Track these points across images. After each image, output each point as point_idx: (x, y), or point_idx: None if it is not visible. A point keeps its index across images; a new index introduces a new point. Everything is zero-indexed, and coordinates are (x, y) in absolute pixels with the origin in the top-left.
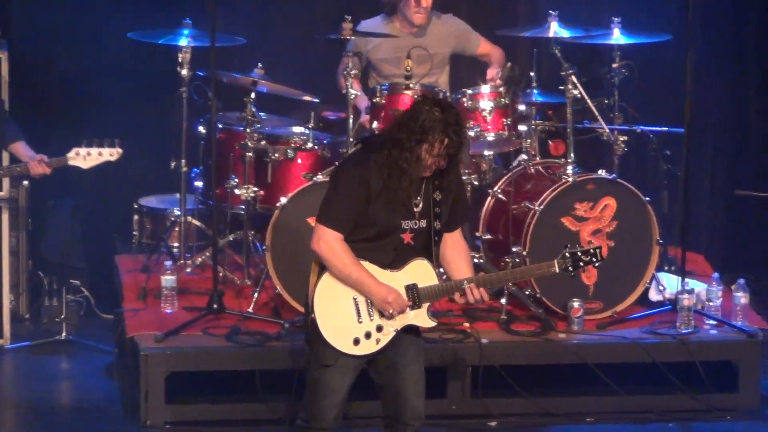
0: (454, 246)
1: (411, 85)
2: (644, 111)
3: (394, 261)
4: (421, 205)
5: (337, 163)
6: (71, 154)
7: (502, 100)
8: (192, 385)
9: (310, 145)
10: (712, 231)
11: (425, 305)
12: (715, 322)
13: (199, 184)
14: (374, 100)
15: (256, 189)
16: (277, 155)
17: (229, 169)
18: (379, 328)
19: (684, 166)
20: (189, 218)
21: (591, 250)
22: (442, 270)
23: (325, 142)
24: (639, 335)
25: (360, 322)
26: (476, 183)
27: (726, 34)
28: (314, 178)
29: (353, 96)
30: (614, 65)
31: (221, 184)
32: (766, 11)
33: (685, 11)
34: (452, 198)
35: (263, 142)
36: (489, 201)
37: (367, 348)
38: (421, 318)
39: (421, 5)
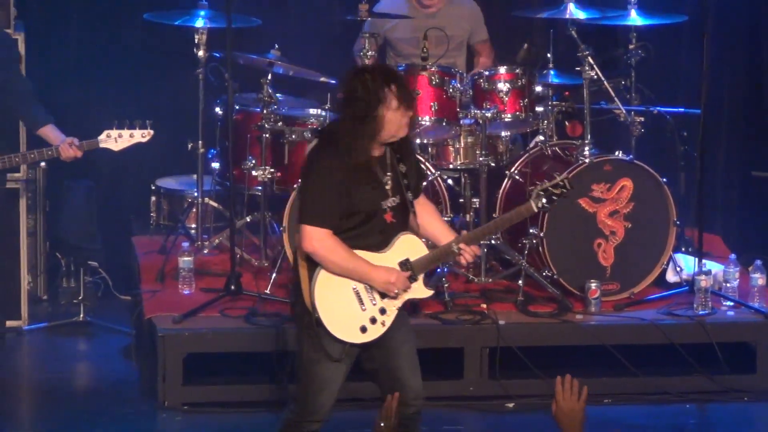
0: (424, 210)
1: (428, 66)
2: (660, 92)
3: (382, 242)
4: (390, 182)
5: (306, 160)
6: (102, 136)
7: (519, 81)
8: (210, 367)
9: None
10: (729, 212)
11: (420, 277)
12: (732, 304)
13: (216, 165)
14: None
15: (272, 170)
16: (293, 136)
17: (245, 151)
18: (383, 311)
19: (700, 147)
20: (206, 199)
21: (560, 182)
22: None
23: None
24: (656, 316)
25: (364, 310)
26: (493, 164)
27: (742, 13)
28: None
29: None
30: (630, 46)
31: (238, 166)
32: None
33: None
34: (412, 165)
35: (280, 124)
36: (506, 182)
37: (375, 333)
38: (419, 290)
39: None
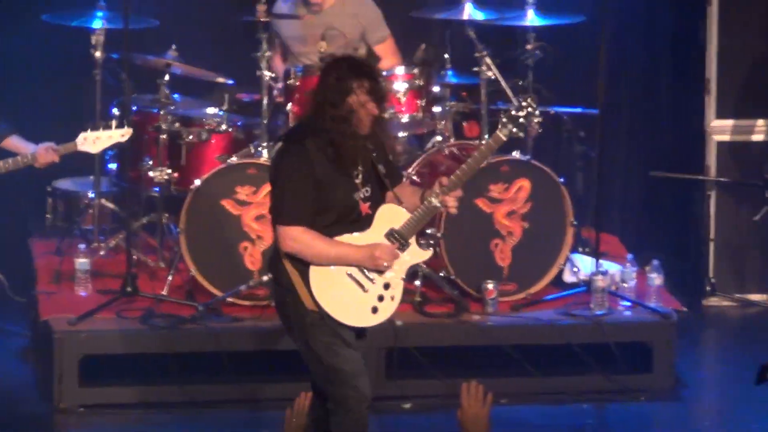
0: (402, 192)
1: None
2: (558, 92)
3: (363, 229)
4: (360, 176)
5: (271, 162)
6: (79, 139)
7: (417, 81)
8: (106, 369)
9: (224, 127)
10: (627, 212)
11: (412, 241)
12: (629, 304)
13: (113, 166)
14: (288, 83)
15: (170, 171)
16: (191, 137)
17: (143, 152)
18: (387, 286)
19: (598, 147)
20: (103, 201)
21: (523, 104)
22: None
23: (239, 124)
24: (553, 317)
25: (366, 291)
26: None
27: (639, 14)
28: (228, 160)
29: (267, 78)
30: (528, 47)
31: (135, 167)
32: None
33: None
34: (384, 155)
35: (177, 124)
36: (404, 182)
37: (388, 309)
38: (415, 254)
39: None
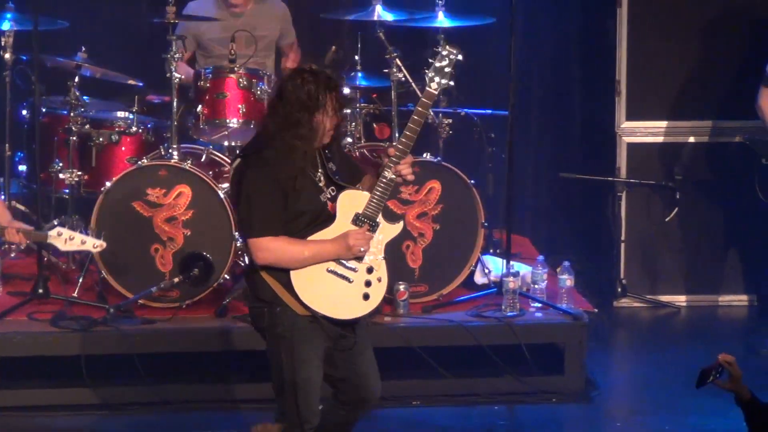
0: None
1: (236, 69)
2: (469, 94)
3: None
4: (322, 178)
5: (232, 178)
6: (53, 233)
7: None
8: (17, 371)
9: (134, 129)
10: (537, 214)
11: (380, 219)
12: (540, 305)
13: (23, 168)
14: (198, 84)
15: (80, 173)
16: (101, 139)
17: (53, 153)
18: (370, 270)
19: (508, 148)
20: (13, 202)
21: (443, 52)
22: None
23: (149, 126)
24: (465, 318)
25: (352, 282)
26: None
27: (550, 16)
28: (138, 162)
29: (177, 79)
30: (438, 48)
31: (45, 169)
32: None
33: None
34: (338, 157)
35: (87, 126)
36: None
37: (379, 291)
38: (388, 231)
39: None
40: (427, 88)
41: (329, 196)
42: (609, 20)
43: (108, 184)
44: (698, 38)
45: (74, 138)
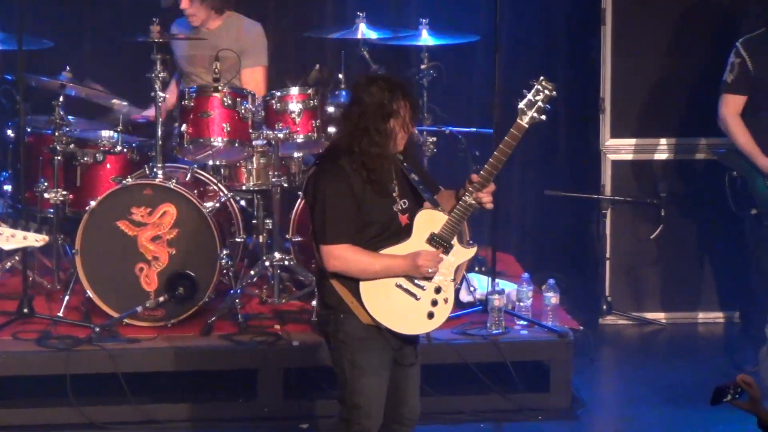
0: (441, 199)
1: (220, 88)
2: (453, 112)
3: (404, 239)
4: (397, 188)
5: (306, 186)
6: None
7: (311, 102)
8: (3, 391)
9: (119, 148)
10: (522, 231)
11: (455, 242)
12: (525, 323)
13: (8, 188)
14: (183, 103)
15: (65, 192)
16: (86, 159)
17: (38, 173)
18: (438, 290)
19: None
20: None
21: (539, 87)
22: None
23: (134, 145)
24: (450, 336)
25: (419, 299)
26: (286, 185)
27: (534, 34)
28: (123, 182)
29: (161, 99)
30: (422, 66)
31: (30, 188)
32: (574, 11)
33: (493, 12)
34: (417, 166)
35: (72, 146)
36: (299, 203)
37: (444, 312)
38: (461, 254)
39: (184, 5)
40: (519, 121)
41: (401, 207)
42: (593, 38)
43: (93, 203)
44: (682, 55)
45: (59, 157)
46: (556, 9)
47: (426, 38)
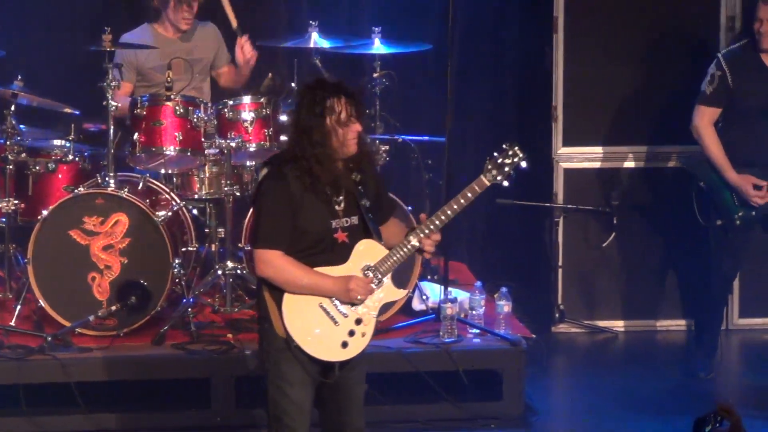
0: (387, 230)
1: (172, 96)
2: (406, 120)
3: (339, 259)
4: (343, 204)
5: (252, 188)
6: None
7: (264, 110)
8: None
9: (70, 157)
10: (475, 240)
11: (387, 279)
12: (478, 331)
13: None
14: (135, 112)
15: (17, 202)
16: (37, 168)
17: None
18: (359, 321)
19: (445, 175)
20: None
21: (510, 152)
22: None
23: (86, 154)
24: (402, 345)
25: (337, 325)
26: (238, 194)
27: (487, 42)
28: (75, 191)
29: (113, 108)
30: (375, 75)
31: None
32: (526, 19)
33: (445, 20)
34: (374, 190)
35: (23, 155)
36: (251, 212)
37: (359, 345)
38: (390, 292)
39: (185, 10)
40: (482, 177)
41: (342, 224)
42: (546, 46)
43: (45, 212)
44: (634, 63)
45: (11, 167)
46: (508, 17)
47: (378, 47)
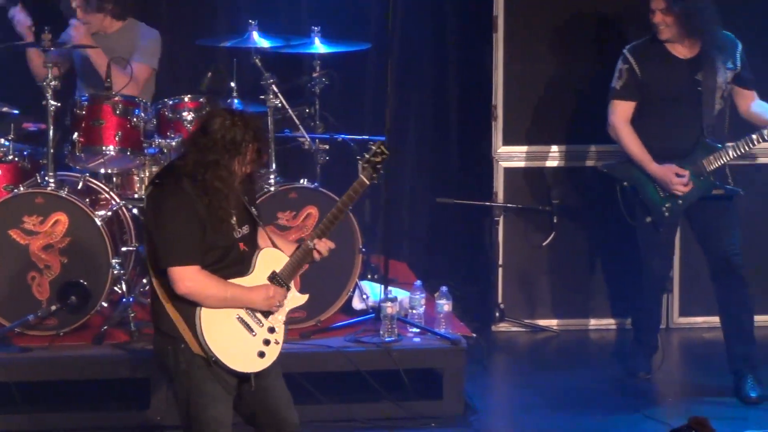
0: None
1: (111, 96)
2: (346, 120)
3: (244, 269)
4: (235, 216)
5: (146, 205)
6: None
7: (203, 110)
8: None
9: (10, 157)
10: (415, 239)
11: (291, 285)
12: (418, 330)
13: None
14: (75, 111)
15: None
16: None
17: None
18: (271, 330)
19: (385, 174)
20: None
21: (377, 150)
22: None
23: (25, 153)
24: (343, 344)
25: (254, 335)
26: None
27: (427, 41)
28: (15, 190)
29: (52, 107)
30: (315, 74)
31: None
32: (466, 22)
33: (385, 19)
34: (253, 198)
35: None
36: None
37: (273, 353)
38: (294, 299)
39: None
40: (361, 176)
41: (239, 235)
42: (486, 45)
43: None
44: (574, 62)
45: None
46: (448, 16)
47: (318, 46)
